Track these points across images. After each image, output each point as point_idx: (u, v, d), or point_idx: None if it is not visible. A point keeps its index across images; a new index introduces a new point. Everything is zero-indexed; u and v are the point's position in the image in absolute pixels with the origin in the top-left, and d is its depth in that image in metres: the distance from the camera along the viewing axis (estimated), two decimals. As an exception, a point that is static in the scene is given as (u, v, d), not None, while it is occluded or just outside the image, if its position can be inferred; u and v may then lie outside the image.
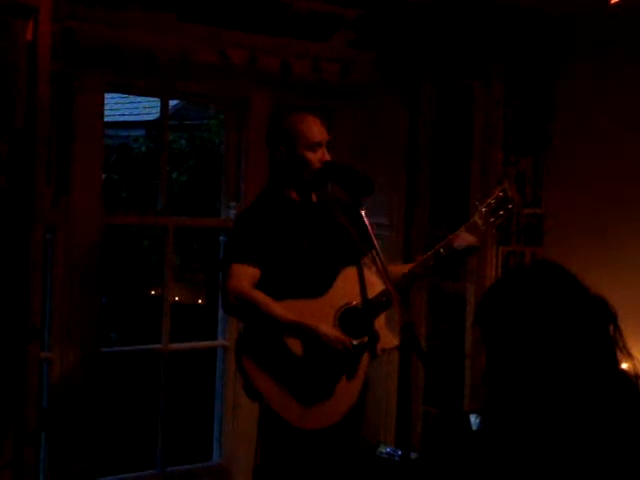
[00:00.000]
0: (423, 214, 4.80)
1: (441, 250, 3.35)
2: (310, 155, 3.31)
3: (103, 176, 4.50)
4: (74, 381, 4.03)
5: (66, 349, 4.01)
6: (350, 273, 3.35)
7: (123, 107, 10.55)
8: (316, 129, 3.34)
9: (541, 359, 1.62)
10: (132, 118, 10.74)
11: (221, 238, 4.56)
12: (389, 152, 4.85)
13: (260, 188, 3.60)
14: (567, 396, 1.59)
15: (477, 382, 4.40)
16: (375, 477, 4.40)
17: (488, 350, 1.70)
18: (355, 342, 3.27)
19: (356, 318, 3.30)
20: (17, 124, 3.30)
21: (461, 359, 4.56)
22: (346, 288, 3.33)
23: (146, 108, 10.46)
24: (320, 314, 3.26)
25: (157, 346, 4.49)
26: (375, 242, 3.14)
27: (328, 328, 3.24)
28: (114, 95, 7.59)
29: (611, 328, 1.65)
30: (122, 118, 10.57)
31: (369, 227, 3.15)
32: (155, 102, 7.82)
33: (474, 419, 4.01)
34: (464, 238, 3.35)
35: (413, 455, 4.25)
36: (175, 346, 4.53)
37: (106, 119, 4.27)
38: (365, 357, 3.35)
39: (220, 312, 4.54)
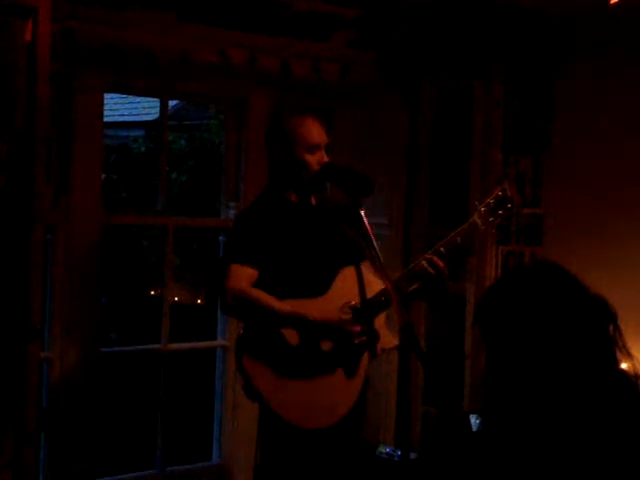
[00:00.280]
0: (423, 214, 4.81)
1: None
2: (309, 157, 3.31)
3: (103, 176, 4.50)
4: (74, 381, 4.03)
5: (66, 349, 4.01)
6: (349, 273, 3.35)
7: (123, 107, 10.54)
8: (315, 131, 3.34)
9: (541, 359, 1.62)
10: (132, 118, 10.74)
11: (221, 238, 4.56)
12: (389, 152, 4.85)
13: (260, 188, 3.60)
14: (567, 396, 1.59)
15: (477, 382, 4.40)
16: (375, 477, 4.40)
17: (488, 350, 1.70)
18: (353, 302, 3.29)
19: (355, 317, 3.30)
20: (17, 124, 3.30)
21: (461, 359, 4.56)
22: (345, 288, 3.33)
23: (145, 108, 10.46)
24: (320, 313, 3.27)
25: (157, 346, 4.49)
26: (375, 242, 3.14)
27: (326, 314, 3.26)
28: (113, 95, 7.58)
29: (611, 328, 1.65)
30: (122, 118, 10.56)
31: (368, 227, 3.15)
32: (155, 102, 7.82)
33: (474, 419, 4.01)
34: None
35: (413, 455, 4.25)
36: (175, 346, 4.53)
37: (106, 119, 4.27)
38: (365, 356, 3.36)
39: (220, 313, 4.54)
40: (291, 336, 3.24)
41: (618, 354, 1.65)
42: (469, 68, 4.57)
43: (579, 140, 4.46)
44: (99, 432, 4.26)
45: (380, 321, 3.36)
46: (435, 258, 3.28)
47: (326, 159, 3.34)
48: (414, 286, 3.32)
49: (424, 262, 3.30)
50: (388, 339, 3.37)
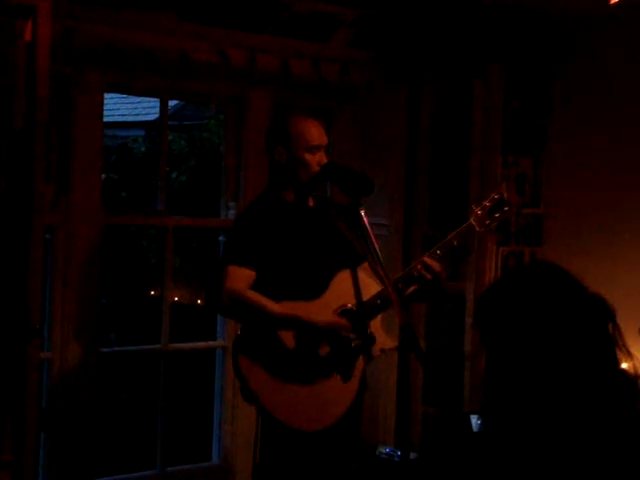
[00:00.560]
0: (423, 214, 4.81)
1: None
2: (309, 157, 3.33)
3: (103, 176, 4.50)
4: (74, 381, 4.03)
5: (66, 349, 4.01)
6: (345, 276, 3.36)
7: (122, 107, 10.54)
8: (316, 132, 3.36)
9: (540, 359, 1.62)
10: (131, 118, 10.73)
11: (221, 238, 4.56)
12: (389, 152, 4.85)
13: (260, 188, 3.61)
14: (567, 396, 1.59)
15: (477, 382, 4.40)
16: (375, 477, 4.40)
17: (487, 350, 1.70)
18: (349, 305, 3.29)
19: (351, 320, 3.31)
20: (17, 124, 3.30)
21: (461, 359, 4.55)
22: (342, 290, 3.34)
23: (145, 108, 10.45)
24: (316, 316, 3.28)
25: (156, 346, 4.49)
26: (375, 243, 3.14)
27: (323, 317, 3.26)
28: (113, 95, 7.57)
29: (610, 327, 1.65)
30: (121, 118, 10.55)
31: (368, 227, 3.15)
32: (154, 102, 7.81)
33: (475, 420, 4.01)
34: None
35: (412, 455, 4.25)
36: (174, 346, 4.53)
37: (105, 119, 4.26)
38: (360, 359, 3.37)
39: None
40: (288, 339, 3.25)
41: (618, 354, 1.64)
42: (469, 68, 4.57)
43: (579, 140, 4.46)
44: (99, 432, 4.27)
45: (376, 324, 3.37)
46: (431, 261, 3.28)
47: (325, 160, 3.36)
48: (412, 288, 3.33)
49: (420, 266, 3.30)
50: (385, 341, 3.38)
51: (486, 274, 4.42)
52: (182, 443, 5.81)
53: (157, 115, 7.07)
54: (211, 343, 4.75)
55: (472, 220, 3.37)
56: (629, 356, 1.66)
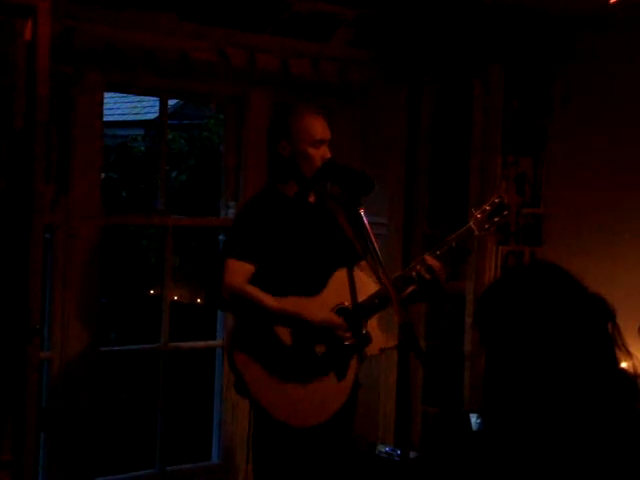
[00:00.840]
0: (422, 213, 4.81)
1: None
2: (313, 151, 3.34)
3: (102, 175, 4.50)
4: (73, 381, 4.03)
5: (66, 349, 4.01)
6: (343, 274, 3.37)
7: (122, 106, 10.54)
8: (320, 126, 3.37)
9: (540, 359, 1.62)
10: (131, 117, 10.73)
11: (220, 237, 4.56)
12: (389, 152, 4.85)
13: (259, 187, 3.62)
14: (567, 395, 1.59)
15: (477, 382, 4.40)
16: (374, 477, 4.40)
17: (487, 350, 1.70)
18: (346, 304, 3.30)
19: (347, 319, 3.32)
20: (16, 124, 3.30)
21: (461, 359, 4.56)
22: (340, 288, 3.35)
23: (145, 107, 10.46)
24: (314, 313, 3.29)
25: (156, 346, 4.49)
26: (374, 241, 3.14)
27: (320, 315, 3.27)
28: (113, 94, 7.58)
29: (610, 327, 1.65)
30: (121, 117, 10.56)
31: (368, 226, 3.15)
32: (154, 101, 7.83)
33: (474, 419, 4.01)
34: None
35: (412, 455, 4.25)
36: (174, 345, 4.53)
37: (105, 118, 4.26)
38: (354, 358, 3.37)
39: (220, 312, 4.54)
40: (285, 335, 3.26)
41: (618, 353, 1.65)
42: (468, 68, 4.57)
43: (579, 140, 4.46)
44: (99, 432, 4.26)
45: (373, 323, 3.38)
46: (431, 261, 3.29)
47: (329, 155, 3.37)
48: (411, 288, 3.33)
49: (419, 266, 3.31)
50: (380, 340, 3.39)
51: (486, 274, 4.42)
52: (182, 442, 5.81)
53: (157, 114, 7.08)
54: (211, 342, 4.76)
55: (471, 224, 3.38)
56: (629, 355, 1.66)
